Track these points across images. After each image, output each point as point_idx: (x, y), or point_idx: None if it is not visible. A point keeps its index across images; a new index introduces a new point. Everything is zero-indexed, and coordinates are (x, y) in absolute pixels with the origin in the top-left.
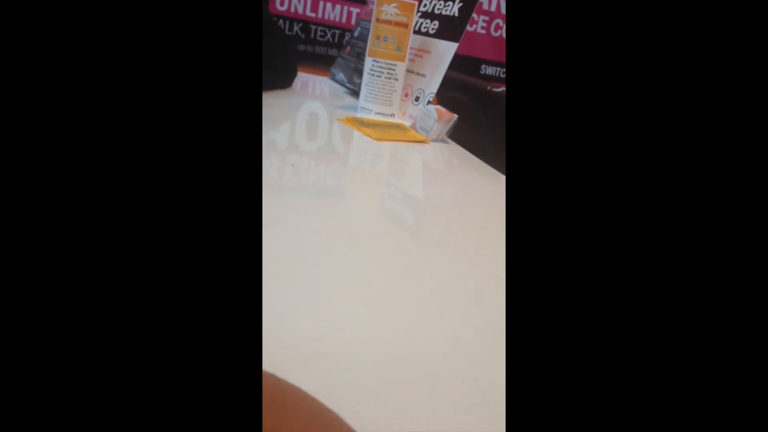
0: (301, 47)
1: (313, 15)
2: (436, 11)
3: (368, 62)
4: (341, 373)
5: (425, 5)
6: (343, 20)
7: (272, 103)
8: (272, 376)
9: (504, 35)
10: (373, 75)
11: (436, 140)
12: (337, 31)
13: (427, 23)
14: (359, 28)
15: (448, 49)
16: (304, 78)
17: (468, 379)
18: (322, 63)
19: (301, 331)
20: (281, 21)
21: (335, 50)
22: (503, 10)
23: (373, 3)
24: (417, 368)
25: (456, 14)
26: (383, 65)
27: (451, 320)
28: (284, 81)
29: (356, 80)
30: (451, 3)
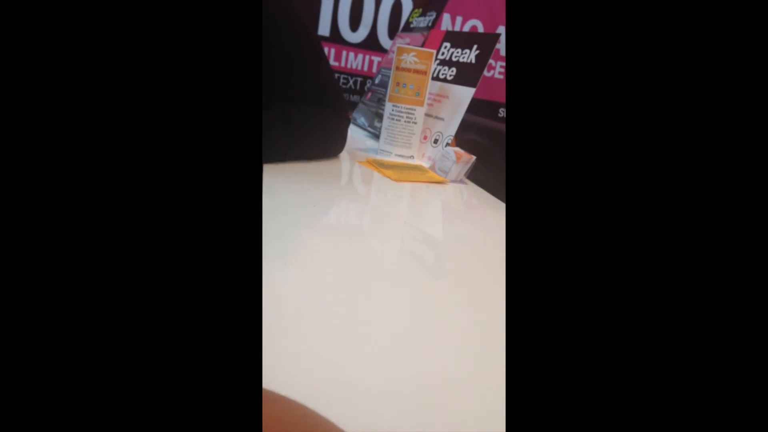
0: None
1: (336, 64)
2: (454, 59)
3: (388, 107)
4: (359, 409)
5: (443, 53)
6: (365, 69)
7: None
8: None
9: None
10: (393, 119)
11: (454, 181)
12: (359, 79)
13: (445, 70)
14: (380, 76)
15: (465, 94)
16: None
17: (487, 421)
18: None
19: (319, 367)
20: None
21: (357, 96)
22: None
23: (393, 52)
24: (432, 407)
25: (473, 61)
26: (403, 110)
27: (470, 360)
28: (334, 150)
29: (377, 124)
30: (468, 51)
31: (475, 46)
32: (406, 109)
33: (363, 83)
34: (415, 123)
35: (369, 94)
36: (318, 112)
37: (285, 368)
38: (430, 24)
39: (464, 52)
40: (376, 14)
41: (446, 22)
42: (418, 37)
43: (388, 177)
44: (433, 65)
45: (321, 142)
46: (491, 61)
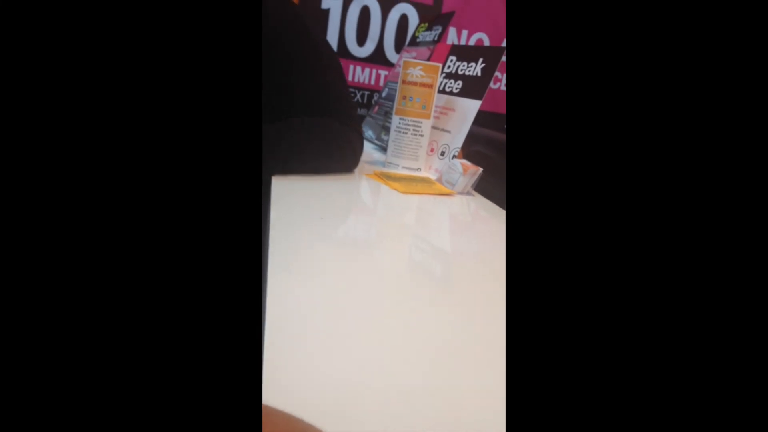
0: None
1: None
2: (460, 72)
3: (395, 120)
4: (361, 422)
5: (449, 67)
6: (372, 82)
7: None
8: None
9: None
10: (399, 132)
11: (461, 193)
12: (366, 92)
13: (451, 83)
14: (387, 89)
15: (471, 107)
16: None
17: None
18: None
19: (327, 380)
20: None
21: (364, 110)
22: None
23: (399, 66)
24: (436, 421)
25: (479, 74)
26: (409, 123)
27: (476, 374)
28: (349, 165)
29: (384, 137)
30: (473, 64)
31: (480, 60)
32: (413, 122)
33: (370, 97)
34: (422, 136)
35: (376, 108)
36: (322, 121)
37: (286, 381)
38: (436, 38)
39: (470, 65)
40: (383, 29)
41: (452, 36)
42: (425, 51)
43: (396, 189)
44: (439, 78)
45: (325, 154)
46: (497, 73)
